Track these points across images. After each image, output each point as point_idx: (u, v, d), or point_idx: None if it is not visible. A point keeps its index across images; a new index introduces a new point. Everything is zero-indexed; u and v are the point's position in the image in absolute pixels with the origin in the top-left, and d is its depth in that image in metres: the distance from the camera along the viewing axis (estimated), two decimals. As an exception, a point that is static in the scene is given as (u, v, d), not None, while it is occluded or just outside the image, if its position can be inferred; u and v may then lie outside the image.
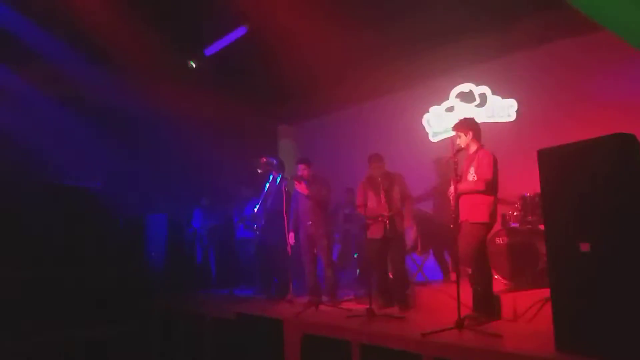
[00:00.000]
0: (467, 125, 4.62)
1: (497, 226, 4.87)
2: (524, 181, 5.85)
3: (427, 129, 7.99)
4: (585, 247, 3.07)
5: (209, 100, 8.19)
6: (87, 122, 7.80)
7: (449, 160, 4.42)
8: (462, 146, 4.57)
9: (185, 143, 8.60)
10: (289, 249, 6.17)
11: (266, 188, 6.56)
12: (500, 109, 7.07)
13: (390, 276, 5.72)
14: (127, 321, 7.15)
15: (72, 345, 6.35)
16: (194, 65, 7.85)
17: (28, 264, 6.80)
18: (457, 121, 4.76)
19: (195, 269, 8.36)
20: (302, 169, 6.09)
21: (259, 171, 6.47)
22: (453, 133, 4.71)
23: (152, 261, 8.09)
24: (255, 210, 6.68)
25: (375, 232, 5.38)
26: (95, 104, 7.97)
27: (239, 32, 6.80)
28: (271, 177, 6.44)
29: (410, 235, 5.67)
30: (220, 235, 8.41)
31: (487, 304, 4.35)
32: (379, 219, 5.32)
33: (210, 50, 7.51)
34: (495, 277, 5.05)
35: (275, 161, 6.66)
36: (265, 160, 6.64)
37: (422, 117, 8.04)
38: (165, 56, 7.27)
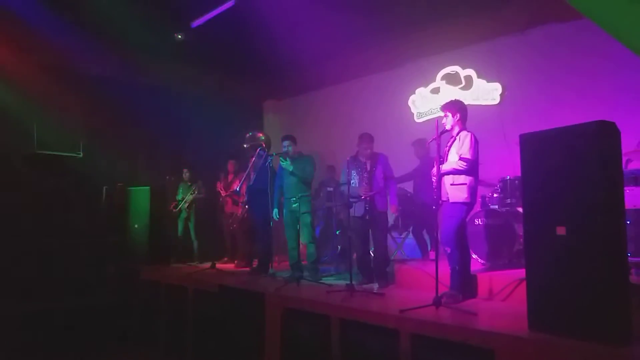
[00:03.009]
0: (455, 106, 4.67)
1: (477, 207, 4.98)
2: (505, 164, 5.98)
3: (412, 110, 8.04)
4: (561, 231, 3.16)
5: (195, 73, 8.10)
6: (70, 92, 7.67)
7: (432, 141, 4.48)
8: (448, 127, 4.63)
9: (171, 116, 8.53)
10: (272, 223, 6.24)
11: (250, 163, 6.57)
12: (485, 92, 7.14)
13: (372, 254, 5.83)
14: (109, 292, 7.18)
15: (52, 314, 6.36)
16: (181, 38, 7.72)
17: (9, 234, 6.75)
18: (446, 101, 4.81)
19: (177, 241, 8.39)
20: (286, 146, 6.10)
21: (245, 146, 6.46)
22: (437, 114, 4.76)
23: (134, 233, 8.07)
24: (238, 188, 6.70)
25: (357, 211, 5.46)
26: (80, 73, 7.84)
27: (227, 4, 6.69)
28: (256, 153, 6.43)
29: (392, 210, 5.76)
30: (202, 208, 8.43)
31: (464, 283, 4.46)
32: (362, 198, 5.40)
33: (197, 22, 7.38)
34: (473, 256, 5.19)
35: (260, 135, 6.66)
36: (250, 134, 6.63)
37: (407, 97, 8.08)
38: (152, 27, 7.13)
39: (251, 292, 5.36)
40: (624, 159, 4.38)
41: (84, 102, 7.83)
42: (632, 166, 4.78)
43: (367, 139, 5.61)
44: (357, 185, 5.48)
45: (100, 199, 8.10)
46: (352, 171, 5.50)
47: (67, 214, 7.45)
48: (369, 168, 5.50)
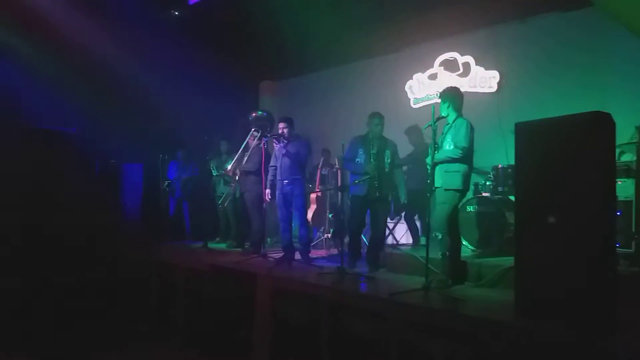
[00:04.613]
0: (452, 93, 4.67)
1: (469, 194, 5.00)
2: (500, 152, 6.00)
3: (409, 95, 8.01)
4: (552, 220, 3.18)
5: (191, 50, 8.00)
6: (65, 67, 7.57)
7: (427, 127, 4.48)
8: (444, 114, 4.63)
9: (165, 93, 8.43)
10: (264, 205, 6.24)
11: (243, 144, 6.54)
12: (482, 80, 7.12)
13: (363, 238, 5.85)
14: (100, 269, 7.16)
15: (41, 292, 6.35)
16: (177, 14, 7.62)
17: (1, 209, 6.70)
18: (443, 88, 4.80)
19: (168, 220, 8.39)
20: (282, 127, 6.07)
21: (253, 129, 6.36)
22: (434, 100, 4.75)
23: (127, 210, 8.06)
24: (229, 167, 6.67)
25: (359, 190, 5.45)
26: (74, 49, 7.72)
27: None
28: (250, 133, 6.39)
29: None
30: (195, 188, 8.40)
31: (454, 269, 4.51)
32: (364, 177, 5.37)
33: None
34: (464, 243, 5.23)
35: (265, 114, 6.62)
36: (255, 114, 6.58)
37: (405, 83, 8.04)
38: (149, 2, 7.03)
39: (243, 272, 5.38)
40: (618, 150, 4.41)
41: (78, 76, 7.73)
42: (625, 158, 4.80)
43: (377, 116, 5.56)
44: (363, 163, 5.44)
45: (93, 174, 8.05)
46: (359, 149, 5.47)
47: (58, 190, 7.39)
48: (378, 149, 5.46)
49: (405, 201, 5.76)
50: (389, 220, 7.18)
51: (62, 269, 6.73)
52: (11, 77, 7.13)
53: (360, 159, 5.46)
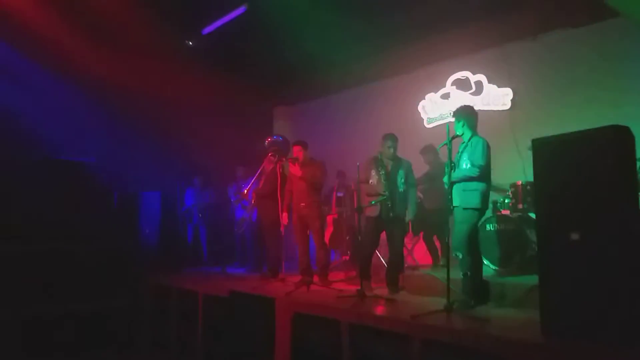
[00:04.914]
0: (466, 112, 4.67)
1: (489, 212, 4.95)
2: (517, 169, 5.95)
3: (423, 115, 8.02)
4: (575, 237, 3.13)
5: (205, 79, 8.14)
6: (84, 98, 7.76)
7: (443, 146, 4.46)
8: (459, 133, 4.62)
9: (181, 121, 8.58)
10: (282, 229, 6.24)
11: (260, 168, 6.58)
12: (496, 98, 7.12)
13: (382, 260, 5.79)
14: (120, 297, 7.20)
15: (61, 320, 6.40)
16: (191, 44, 7.79)
17: (24, 239, 6.81)
18: (457, 107, 4.80)
19: (187, 247, 8.42)
20: (297, 151, 6.11)
21: (270, 155, 6.39)
22: (447, 120, 4.75)
23: (145, 238, 8.12)
24: (245, 191, 6.70)
25: (372, 211, 5.42)
26: (93, 79, 7.91)
27: (238, 11, 6.75)
28: (267, 157, 6.42)
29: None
30: (212, 214, 8.45)
31: (476, 289, 4.43)
32: (377, 198, 5.34)
33: (208, 29, 7.45)
34: (485, 262, 5.15)
35: (280, 138, 6.67)
36: (270, 139, 6.62)
37: (417, 103, 8.07)
38: (163, 34, 7.20)
39: (261, 297, 5.35)
40: (638, 163, 4.35)
41: (96, 108, 7.90)
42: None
43: (390, 137, 5.52)
44: (375, 184, 5.43)
45: (111, 203, 8.16)
46: (372, 170, 5.46)
47: (78, 219, 7.50)
48: (389, 169, 5.45)
49: (411, 218, 5.64)
50: (407, 241, 7.15)
51: (81, 297, 6.79)
52: (31, 108, 7.32)
53: (373, 180, 5.45)
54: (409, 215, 5.51)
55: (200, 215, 8.35)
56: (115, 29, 6.94)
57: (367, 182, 5.45)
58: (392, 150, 5.48)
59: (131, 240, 8.09)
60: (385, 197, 5.26)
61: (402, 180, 5.43)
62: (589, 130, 3.19)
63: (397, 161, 5.52)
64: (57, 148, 7.74)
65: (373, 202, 5.35)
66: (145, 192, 8.28)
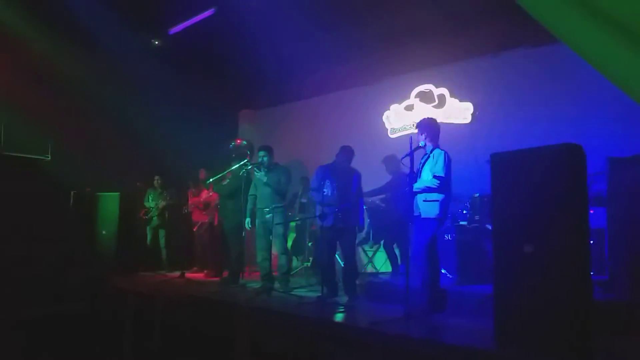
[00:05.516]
0: (429, 124, 4.78)
1: (447, 223, 5.07)
2: (474, 182, 6.12)
3: (387, 125, 8.16)
4: (528, 249, 3.26)
5: (171, 79, 8.03)
6: (40, 92, 7.50)
7: (405, 157, 4.56)
8: (421, 145, 4.72)
9: (144, 121, 8.39)
10: (244, 234, 6.21)
11: (225, 172, 6.53)
12: (457, 111, 7.31)
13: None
14: (75, 302, 6.97)
15: (17, 324, 6.15)
16: (158, 43, 7.68)
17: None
18: (420, 119, 4.91)
19: (146, 250, 8.23)
20: (262, 156, 6.10)
21: (234, 156, 6.37)
22: (411, 131, 4.85)
23: (102, 240, 7.89)
24: (210, 193, 6.65)
25: (327, 221, 5.46)
26: (51, 73, 7.67)
27: (207, 12, 6.70)
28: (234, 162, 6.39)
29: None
30: (172, 216, 8.30)
31: (433, 297, 4.53)
32: (334, 208, 5.40)
33: (175, 29, 7.36)
34: (443, 271, 5.27)
35: (245, 142, 6.65)
36: (239, 142, 6.59)
37: (382, 113, 8.20)
38: (128, 31, 7.08)
39: (221, 303, 5.30)
40: (589, 180, 4.55)
41: (54, 103, 7.65)
42: (596, 187, 4.95)
43: (347, 151, 5.63)
44: (329, 195, 5.48)
45: (68, 203, 7.91)
46: (327, 180, 5.51)
47: (33, 219, 7.24)
48: (345, 180, 5.52)
49: (360, 227, 5.77)
50: (367, 248, 7.25)
51: (34, 301, 6.54)
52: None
53: (327, 189, 5.50)
54: (359, 224, 5.60)
55: (162, 217, 8.18)
56: (78, 24, 6.76)
57: (320, 190, 5.49)
58: (344, 161, 5.58)
59: (87, 242, 7.85)
60: (336, 207, 5.32)
61: (353, 190, 5.51)
62: (543, 147, 3.32)
63: (349, 171, 5.60)
64: (10, 144, 7.46)
65: (329, 212, 5.39)
66: (103, 193, 8.06)
